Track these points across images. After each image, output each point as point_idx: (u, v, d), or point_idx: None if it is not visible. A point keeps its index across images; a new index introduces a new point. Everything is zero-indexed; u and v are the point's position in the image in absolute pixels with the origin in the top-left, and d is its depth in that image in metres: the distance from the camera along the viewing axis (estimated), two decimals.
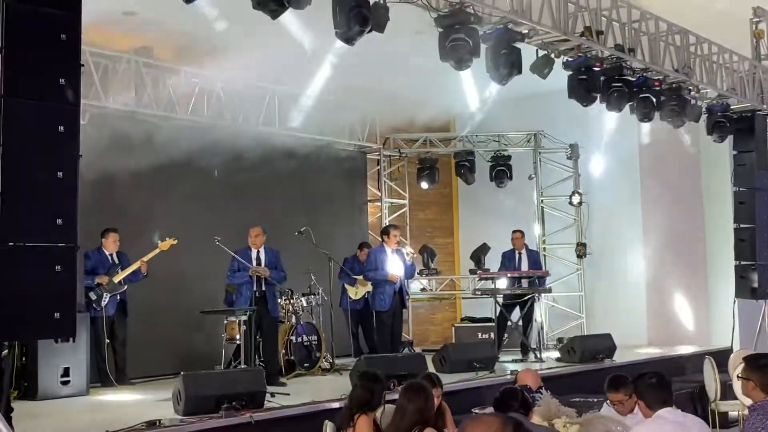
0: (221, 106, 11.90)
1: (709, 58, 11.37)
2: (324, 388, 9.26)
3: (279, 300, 10.47)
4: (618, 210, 14.66)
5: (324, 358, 11.14)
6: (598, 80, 10.07)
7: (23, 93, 5.47)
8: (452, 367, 10.34)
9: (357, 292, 12.06)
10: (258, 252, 10.14)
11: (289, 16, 7.63)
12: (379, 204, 15.11)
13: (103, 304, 9.83)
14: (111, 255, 10.18)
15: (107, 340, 9.88)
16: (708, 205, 14.88)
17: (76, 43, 5.77)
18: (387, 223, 14.08)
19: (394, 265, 10.94)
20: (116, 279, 9.96)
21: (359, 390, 5.74)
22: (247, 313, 9.68)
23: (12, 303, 5.35)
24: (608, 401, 6.27)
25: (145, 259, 10.08)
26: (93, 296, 9.81)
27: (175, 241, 10.20)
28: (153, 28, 10.97)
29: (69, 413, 8.08)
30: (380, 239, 11.41)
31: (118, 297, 10.10)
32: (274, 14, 7.34)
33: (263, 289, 10.01)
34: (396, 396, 5.91)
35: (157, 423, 6.82)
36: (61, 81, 5.62)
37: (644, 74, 10.48)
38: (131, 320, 10.35)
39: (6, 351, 6.31)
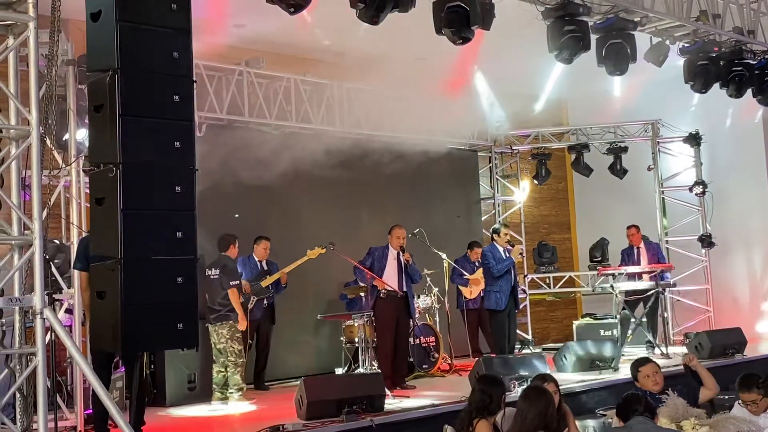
0: (332, 112, 12.01)
1: None
2: (443, 390, 9.23)
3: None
4: (744, 198, 14.04)
5: (443, 359, 11.12)
6: (717, 65, 9.72)
7: (140, 111, 5.66)
8: (574, 367, 10.15)
9: (471, 291, 11.96)
10: (398, 253, 9.85)
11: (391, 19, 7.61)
12: (492, 202, 14.94)
13: (249, 307, 9.77)
14: (260, 262, 10.29)
15: (249, 342, 9.79)
16: None
17: (188, 60, 5.94)
18: (500, 221, 13.91)
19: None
20: (264, 284, 10.05)
21: (478, 394, 5.67)
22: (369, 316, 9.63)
23: (136, 315, 5.53)
24: (740, 401, 6.03)
25: (286, 270, 10.16)
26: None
27: (324, 250, 10.20)
28: (262, 39, 11.19)
29: (193, 419, 8.30)
30: (491, 238, 11.27)
31: (265, 302, 10.19)
32: (372, 19, 7.39)
33: (404, 289, 9.81)
34: (516, 396, 5.83)
35: (280, 428, 6.93)
36: (175, 98, 5.79)
37: (766, 57, 10.04)
38: None
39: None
